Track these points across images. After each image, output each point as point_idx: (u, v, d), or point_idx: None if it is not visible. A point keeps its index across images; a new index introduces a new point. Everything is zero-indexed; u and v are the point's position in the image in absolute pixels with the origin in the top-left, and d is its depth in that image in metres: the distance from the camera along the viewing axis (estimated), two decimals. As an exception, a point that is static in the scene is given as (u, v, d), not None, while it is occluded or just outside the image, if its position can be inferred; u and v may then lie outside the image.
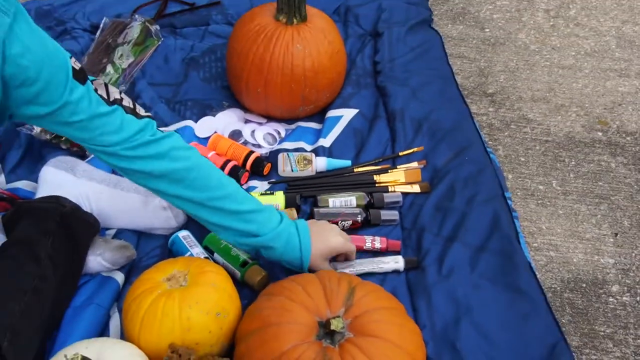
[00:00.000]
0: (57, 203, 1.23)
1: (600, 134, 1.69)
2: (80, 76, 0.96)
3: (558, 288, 1.33)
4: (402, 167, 1.46)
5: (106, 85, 1.03)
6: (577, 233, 1.44)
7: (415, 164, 1.47)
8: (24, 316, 1.02)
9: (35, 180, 1.36)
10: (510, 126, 1.69)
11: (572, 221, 1.47)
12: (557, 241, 1.42)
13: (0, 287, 1.05)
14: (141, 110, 1.06)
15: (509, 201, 1.37)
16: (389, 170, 1.46)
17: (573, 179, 1.56)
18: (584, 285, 1.34)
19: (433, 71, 1.72)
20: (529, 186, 1.54)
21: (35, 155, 1.46)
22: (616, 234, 1.44)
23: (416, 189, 1.42)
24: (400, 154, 1.50)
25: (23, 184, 1.39)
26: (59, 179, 1.32)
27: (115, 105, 1.02)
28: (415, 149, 1.50)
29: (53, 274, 1.11)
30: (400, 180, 1.44)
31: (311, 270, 1.16)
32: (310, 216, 1.34)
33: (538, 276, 1.22)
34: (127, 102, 1.04)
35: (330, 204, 1.37)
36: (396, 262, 1.25)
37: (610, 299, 1.32)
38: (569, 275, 1.36)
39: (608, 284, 1.34)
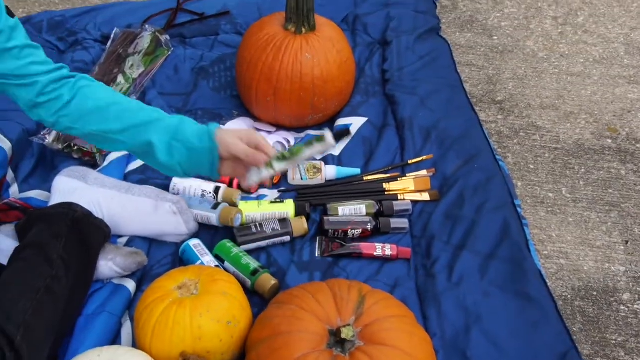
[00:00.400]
0: (68, 209, 1.24)
1: (609, 141, 1.68)
2: (8, 11, 1.03)
3: (569, 296, 1.33)
4: (411, 175, 1.46)
5: None
6: (587, 241, 1.44)
7: (424, 172, 1.47)
8: (37, 314, 1.04)
9: (48, 190, 1.37)
10: (520, 134, 1.68)
11: (583, 229, 1.46)
12: (568, 249, 1.42)
13: (14, 286, 1.07)
14: None
15: (518, 209, 1.37)
16: (399, 179, 1.46)
17: (583, 187, 1.56)
18: (595, 293, 1.33)
19: (442, 79, 1.72)
20: (539, 194, 1.53)
21: (48, 165, 1.48)
22: (627, 242, 1.44)
23: (426, 197, 1.42)
24: (410, 162, 1.50)
25: (36, 194, 1.40)
26: (71, 187, 1.33)
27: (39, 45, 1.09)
28: (425, 157, 1.50)
29: (65, 275, 1.12)
30: (409, 189, 1.44)
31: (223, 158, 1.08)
32: (320, 224, 1.34)
33: (548, 284, 1.22)
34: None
35: (340, 213, 1.37)
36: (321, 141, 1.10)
37: (622, 307, 1.31)
38: (580, 283, 1.35)
39: (619, 292, 1.34)
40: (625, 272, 1.37)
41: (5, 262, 1.16)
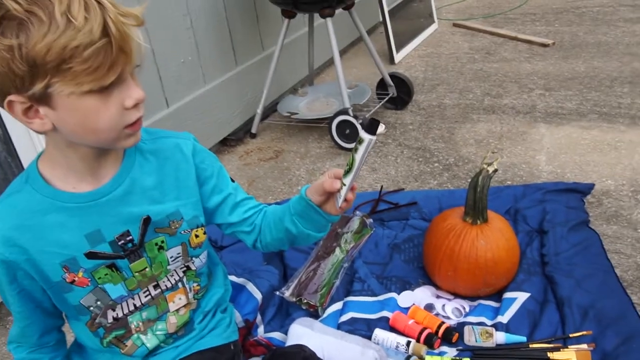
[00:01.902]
0: (300, 349, 1.28)
1: None
2: (231, 179, 1.12)
3: None
4: (572, 348, 1.34)
5: None
6: None
7: (585, 346, 1.34)
8: None
9: (285, 332, 1.44)
10: (671, 316, 1.49)
11: None
12: None
13: None
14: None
15: (679, 390, 1.19)
16: (561, 349, 1.35)
17: None
18: None
19: (594, 265, 1.61)
20: (697, 375, 1.32)
21: (284, 312, 1.56)
22: None
23: (587, 368, 1.29)
24: (571, 335, 1.38)
25: (276, 335, 1.47)
26: (302, 333, 1.39)
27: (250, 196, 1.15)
28: (585, 332, 1.37)
29: None
30: None
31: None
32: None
33: None
34: None
35: (511, 375, 1.29)
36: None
37: None
38: None
39: None
40: None
41: (255, 387, 1.22)
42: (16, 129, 1.81)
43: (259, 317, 1.54)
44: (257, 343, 1.41)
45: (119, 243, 0.97)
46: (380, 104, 2.87)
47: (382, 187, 2.16)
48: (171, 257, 1.05)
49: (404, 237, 1.86)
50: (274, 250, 1.21)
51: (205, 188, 1.07)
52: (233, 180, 1.13)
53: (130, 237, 0.97)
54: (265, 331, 1.50)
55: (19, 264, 0.91)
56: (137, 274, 1.02)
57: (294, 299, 1.56)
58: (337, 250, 1.75)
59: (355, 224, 1.87)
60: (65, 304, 0.99)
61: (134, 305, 1.05)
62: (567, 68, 3.25)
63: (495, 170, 1.54)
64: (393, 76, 2.92)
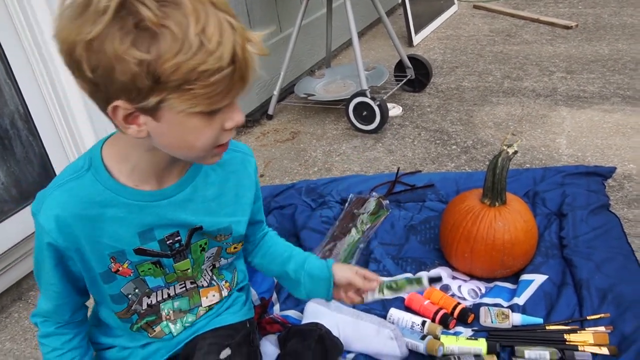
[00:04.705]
0: (316, 327, 1.29)
1: None
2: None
3: None
4: (590, 330, 1.34)
5: None
6: None
7: (602, 329, 1.33)
8: None
9: (301, 311, 1.45)
10: (691, 301, 1.47)
11: None
12: None
13: None
14: None
15: (699, 374, 1.18)
16: (578, 332, 1.34)
17: None
18: None
19: (614, 248, 1.59)
20: None
21: (300, 291, 1.57)
22: None
23: (604, 351, 1.28)
24: (588, 317, 1.37)
25: (292, 313, 1.48)
26: (318, 311, 1.40)
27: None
28: (602, 315, 1.36)
29: None
30: (589, 342, 1.30)
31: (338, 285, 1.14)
32: (510, 364, 1.26)
33: None
34: None
35: (526, 355, 1.28)
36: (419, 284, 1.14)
37: None
38: None
39: None
40: None
41: (270, 364, 1.24)
42: (36, 106, 1.83)
43: (274, 296, 1.55)
44: (272, 320, 1.43)
45: (167, 242, 0.98)
46: (398, 86, 2.84)
47: (398, 168, 2.15)
48: (207, 257, 1.07)
49: (420, 219, 1.85)
50: (258, 270, 1.28)
51: (254, 207, 1.11)
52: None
53: (179, 238, 0.98)
54: (281, 309, 1.51)
55: (68, 251, 0.91)
56: (179, 272, 1.04)
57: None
58: (353, 230, 1.75)
59: (371, 205, 1.86)
60: (101, 292, 0.99)
61: (168, 294, 1.06)
62: (590, 50, 3.18)
63: (515, 152, 1.52)
64: (411, 58, 2.89)
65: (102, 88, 0.73)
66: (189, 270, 1.05)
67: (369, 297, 1.15)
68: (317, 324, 1.31)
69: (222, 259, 1.11)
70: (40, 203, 0.89)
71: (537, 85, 2.88)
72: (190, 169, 0.96)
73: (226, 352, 1.09)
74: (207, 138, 0.80)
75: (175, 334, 1.12)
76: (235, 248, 1.10)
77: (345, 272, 1.14)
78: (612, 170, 1.99)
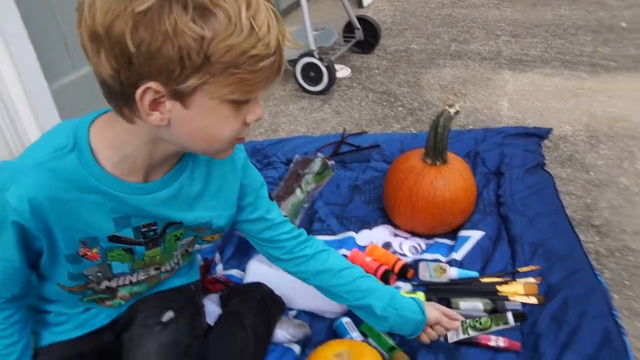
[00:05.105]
0: (258, 287, 1.31)
1: (699, 266, 1.52)
2: (270, 197, 1.09)
3: (665, 401, 1.18)
4: (521, 281, 1.40)
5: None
6: (682, 353, 1.28)
7: (532, 280, 1.40)
8: None
9: (244, 270, 1.45)
10: (615, 254, 1.57)
11: (677, 342, 1.30)
12: (663, 358, 1.27)
13: (219, 346, 1.13)
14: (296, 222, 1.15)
15: (617, 319, 1.26)
16: (510, 283, 1.40)
17: (676, 304, 1.40)
18: (691, 401, 1.17)
19: (547, 205, 1.66)
20: (635, 307, 1.40)
21: (243, 251, 1.56)
22: None
23: (533, 300, 1.35)
24: (520, 270, 1.44)
25: (235, 272, 1.48)
26: (260, 270, 1.40)
27: (286, 218, 1.11)
28: (533, 267, 1.43)
29: (253, 339, 1.17)
30: (519, 292, 1.37)
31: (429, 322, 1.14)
32: (446, 315, 1.31)
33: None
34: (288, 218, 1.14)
35: (461, 307, 1.34)
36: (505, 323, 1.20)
37: None
38: (676, 390, 1.20)
39: None
40: None
41: (211, 322, 1.24)
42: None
43: (217, 256, 1.54)
44: (215, 280, 1.42)
45: (142, 230, 0.94)
46: (347, 47, 2.82)
47: (344, 129, 2.16)
48: (180, 245, 1.04)
49: (365, 179, 1.87)
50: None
51: (242, 202, 1.05)
52: (272, 199, 1.10)
53: (155, 227, 0.95)
54: (224, 269, 1.51)
55: (36, 231, 0.85)
56: (147, 258, 1.00)
57: (254, 238, 1.56)
58: (298, 191, 1.76)
59: (316, 165, 1.87)
60: (59, 269, 0.94)
61: (130, 280, 1.03)
62: (534, 15, 3.25)
63: (457, 112, 1.54)
64: (360, 19, 2.87)
65: (137, 67, 0.69)
66: (157, 257, 1.01)
67: (454, 337, 1.21)
68: (259, 284, 1.32)
69: (196, 245, 1.07)
70: (10, 177, 0.81)
71: (482, 48, 2.93)
72: (178, 164, 0.91)
73: (169, 314, 1.08)
74: (232, 129, 0.79)
75: (124, 304, 1.09)
76: (212, 238, 1.06)
77: (434, 312, 1.15)
78: (549, 131, 2.06)
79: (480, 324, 1.18)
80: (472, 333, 1.21)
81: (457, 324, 1.18)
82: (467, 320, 1.21)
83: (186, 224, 0.97)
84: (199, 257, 1.46)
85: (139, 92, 0.71)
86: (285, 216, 1.12)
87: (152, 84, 0.70)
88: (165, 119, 0.75)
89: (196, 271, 1.26)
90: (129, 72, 0.70)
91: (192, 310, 1.15)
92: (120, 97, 0.74)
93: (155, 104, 0.73)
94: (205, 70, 0.69)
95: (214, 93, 0.72)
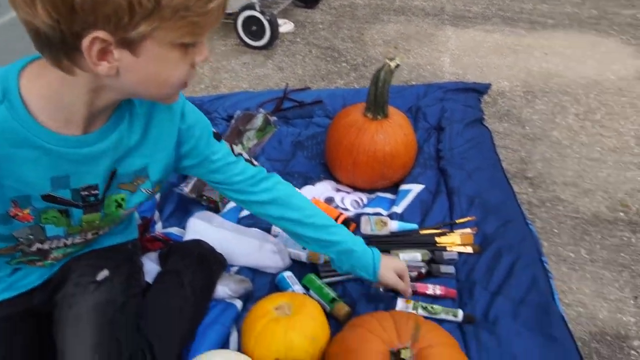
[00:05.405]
0: (197, 244, 1.29)
1: (622, 214, 1.61)
2: (217, 137, 1.04)
3: (586, 338, 1.26)
4: (458, 232, 1.45)
5: (231, 145, 1.09)
6: (602, 294, 1.37)
7: (468, 230, 1.45)
8: (171, 326, 1.08)
9: (183, 228, 1.43)
10: (546, 204, 1.64)
11: (598, 284, 1.39)
12: (585, 300, 1.35)
13: (157, 304, 1.11)
14: (254, 161, 1.11)
15: (545, 264, 1.33)
16: (447, 234, 1.45)
17: (599, 250, 1.49)
18: (609, 337, 1.26)
19: (484, 159, 1.70)
20: (562, 253, 1.48)
21: (184, 209, 1.53)
22: (636, 297, 1.36)
23: (469, 249, 1.40)
24: (457, 221, 1.48)
25: (174, 230, 1.46)
26: (200, 227, 1.38)
27: (240, 157, 1.08)
28: (469, 218, 1.48)
29: (193, 296, 1.16)
30: (456, 242, 1.42)
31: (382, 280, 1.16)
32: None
33: (569, 327, 1.16)
34: (245, 156, 1.11)
35: (401, 257, 1.37)
36: (455, 316, 1.22)
37: (632, 352, 1.23)
38: (595, 328, 1.28)
39: (630, 339, 1.26)
40: (636, 322, 1.29)
41: (150, 280, 1.21)
42: None
43: (156, 214, 1.51)
44: (154, 238, 1.39)
45: (82, 193, 0.88)
46: (290, 0, 2.75)
47: (287, 85, 2.12)
48: (124, 214, 0.99)
49: (307, 135, 1.86)
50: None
51: (183, 148, 0.99)
52: (220, 139, 1.05)
53: (96, 192, 0.90)
54: (163, 227, 1.47)
55: None
56: (85, 223, 0.94)
57: (194, 195, 1.53)
58: (239, 147, 1.72)
59: (258, 121, 1.83)
60: None
61: (65, 243, 0.97)
62: (477, -29, 3.26)
63: (397, 66, 1.54)
64: (303, -29, 2.79)
65: (81, 16, 0.64)
66: (96, 223, 0.96)
67: (401, 306, 1.23)
68: (199, 241, 1.30)
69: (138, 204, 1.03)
70: None
71: (426, 4, 2.92)
72: (115, 113, 0.86)
73: (103, 273, 1.05)
74: (181, 73, 0.77)
75: (56, 264, 1.05)
76: (152, 192, 1.00)
77: (389, 276, 1.17)
78: (488, 86, 2.10)
79: (432, 308, 1.21)
80: (420, 312, 1.21)
81: (410, 291, 1.22)
82: (420, 302, 1.23)
83: (121, 172, 0.92)
84: (137, 215, 1.42)
85: (85, 42, 0.66)
86: (239, 154, 1.08)
87: (100, 33, 0.66)
88: (113, 67, 0.71)
89: (133, 229, 1.22)
90: (71, 22, 0.65)
91: (128, 268, 1.12)
92: (60, 47, 0.69)
93: (102, 54, 0.69)
94: (156, 16, 0.67)
95: (164, 38, 0.70)
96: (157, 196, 1.51)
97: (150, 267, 1.27)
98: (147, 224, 1.46)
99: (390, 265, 1.18)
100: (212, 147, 1.03)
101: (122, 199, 0.95)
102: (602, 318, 1.30)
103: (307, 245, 1.15)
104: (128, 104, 0.88)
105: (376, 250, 1.17)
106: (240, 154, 1.09)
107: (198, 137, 1.00)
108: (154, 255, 1.32)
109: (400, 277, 1.20)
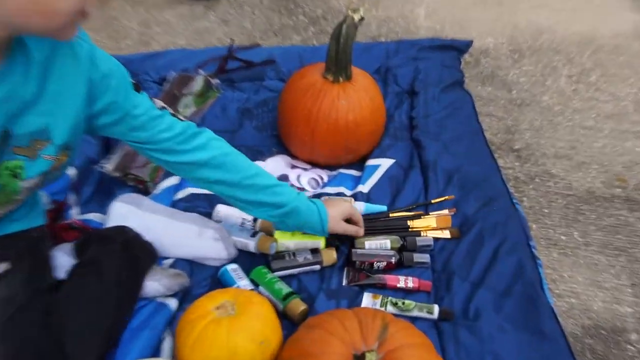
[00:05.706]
0: (122, 231, 1.25)
1: (619, 190, 1.64)
2: (136, 88, 1.02)
3: (579, 334, 1.28)
4: (433, 214, 1.44)
5: (151, 98, 1.07)
6: (597, 282, 1.39)
7: (446, 212, 1.44)
8: (89, 325, 1.06)
9: (105, 213, 1.37)
10: (535, 180, 1.65)
11: (593, 271, 1.42)
12: (578, 289, 1.37)
13: (72, 300, 1.08)
14: (180, 116, 1.11)
15: (533, 249, 1.33)
16: (422, 217, 1.44)
17: (593, 231, 1.51)
18: (604, 332, 1.28)
19: (464, 127, 1.70)
20: (552, 236, 1.49)
21: (106, 190, 1.47)
22: (634, 285, 1.39)
23: (447, 234, 1.39)
24: (433, 201, 1.47)
25: (94, 216, 1.41)
26: (125, 212, 1.33)
27: (164, 110, 1.07)
28: (447, 197, 1.47)
29: (116, 292, 1.12)
30: (432, 226, 1.41)
31: (331, 235, 1.27)
32: (349, 256, 1.32)
33: (560, 321, 1.17)
34: (170, 110, 1.09)
35: (367, 246, 1.35)
36: (430, 312, 1.21)
37: (629, 347, 1.26)
38: (590, 322, 1.30)
39: (627, 332, 1.28)
40: (633, 313, 1.32)
41: (62, 276, 1.17)
42: None
43: (72, 197, 1.45)
44: (69, 227, 1.34)
45: None
46: (235, -60, 2.67)
47: (232, 41, 2.06)
48: (25, 188, 0.95)
49: (257, 101, 1.82)
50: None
51: (98, 103, 0.97)
52: (139, 90, 1.03)
53: None
54: (81, 213, 1.42)
55: None
56: None
57: (119, 174, 1.47)
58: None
59: (197, 85, 1.78)
60: None
61: None
62: None
63: (362, 19, 1.50)
64: None
65: None
66: None
67: (367, 303, 1.22)
68: (123, 227, 1.26)
69: (47, 182, 1.00)
70: None
71: (397, -54, 2.88)
72: (7, 60, 0.82)
73: (2, 266, 1.02)
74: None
75: None
76: (57, 159, 0.96)
77: (338, 227, 1.27)
78: (469, 44, 2.08)
79: (404, 304, 1.20)
80: (390, 309, 1.21)
81: (362, 231, 1.32)
82: (389, 298, 1.22)
83: (16, 133, 0.88)
84: (45, 197, 1.36)
85: None
86: (162, 107, 1.06)
87: None
88: None
89: (39, 214, 1.18)
90: None
91: (32, 260, 1.10)
92: None
93: None
94: None
95: None
96: (73, 174, 1.45)
97: (64, 260, 1.22)
98: (60, 209, 1.40)
99: (338, 215, 1.27)
100: (132, 100, 1.01)
101: (20, 167, 0.91)
102: (597, 309, 1.33)
103: (246, 211, 1.19)
104: (22, 49, 0.84)
105: (319, 203, 1.24)
106: (164, 107, 1.07)
107: (115, 88, 0.97)
108: (68, 246, 1.26)
109: (350, 220, 1.30)
